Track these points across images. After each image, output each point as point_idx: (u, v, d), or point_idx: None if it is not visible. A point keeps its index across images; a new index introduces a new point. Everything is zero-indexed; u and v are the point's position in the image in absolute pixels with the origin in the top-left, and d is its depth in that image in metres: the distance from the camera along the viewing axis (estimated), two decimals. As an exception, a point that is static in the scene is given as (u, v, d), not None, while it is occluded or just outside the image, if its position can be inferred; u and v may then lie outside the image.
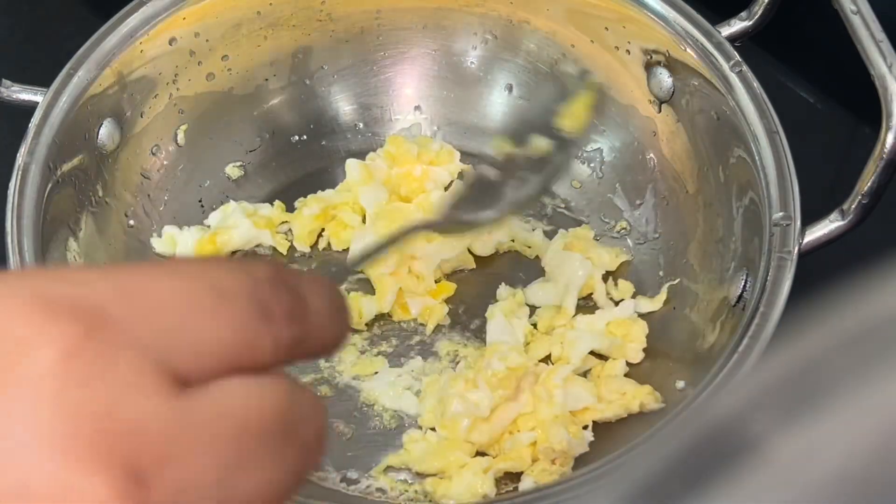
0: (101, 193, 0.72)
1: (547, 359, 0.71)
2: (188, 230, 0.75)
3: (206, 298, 0.33)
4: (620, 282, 0.74)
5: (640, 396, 0.68)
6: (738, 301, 0.65)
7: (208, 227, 0.76)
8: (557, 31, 0.78)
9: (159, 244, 0.74)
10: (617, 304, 0.73)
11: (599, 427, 0.68)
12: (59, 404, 0.30)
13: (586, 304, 0.73)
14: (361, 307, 0.73)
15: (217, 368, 0.33)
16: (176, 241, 0.74)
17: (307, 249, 0.76)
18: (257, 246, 0.76)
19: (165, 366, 0.32)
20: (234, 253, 0.75)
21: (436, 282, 0.74)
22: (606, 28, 0.75)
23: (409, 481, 0.67)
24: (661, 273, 0.74)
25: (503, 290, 0.74)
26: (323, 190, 0.78)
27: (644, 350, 0.71)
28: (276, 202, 0.77)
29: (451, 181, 0.78)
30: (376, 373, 0.71)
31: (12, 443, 0.30)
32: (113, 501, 0.30)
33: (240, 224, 0.74)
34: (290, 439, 0.34)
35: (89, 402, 0.30)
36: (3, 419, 0.30)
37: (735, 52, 0.70)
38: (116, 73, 0.72)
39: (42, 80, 0.69)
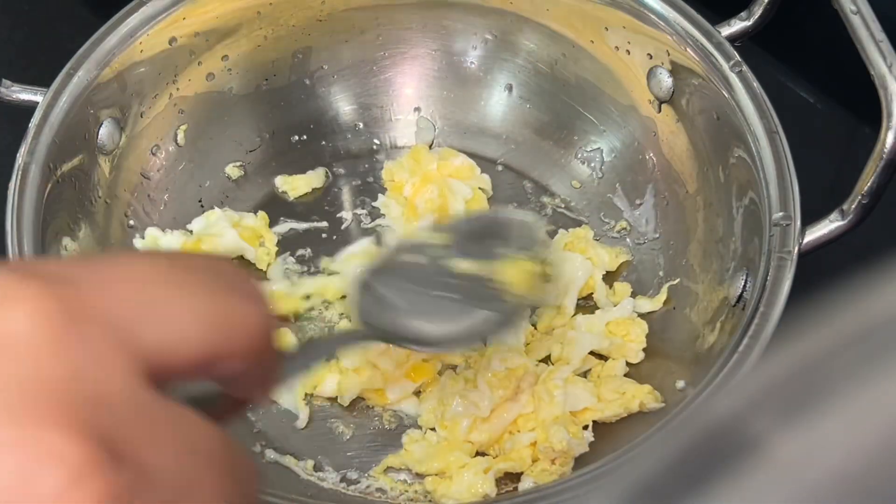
0: (100, 193, 0.72)
1: (547, 359, 0.71)
2: (171, 233, 0.74)
3: (177, 274, 0.35)
4: (617, 285, 0.74)
5: (640, 396, 0.68)
6: (738, 301, 0.65)
7: (191, 231, 0.75)
8: (557, 31, 0.78)
9: (142, 245, 0.74)
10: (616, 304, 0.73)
11: (599, 427, 0.68)
12: (30, 365, 0.31)
13: (586, 304, 0.73)
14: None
15: (183, 361, 0.34)
16: (159, 243, 0.73)
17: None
18: (239, 257, 0.75)
19: (133, 346, 0.33)
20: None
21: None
22: (606, 28, 0.75)
23: (409, 481, 0.67)
24: (661, 273, 0.74)
25: None
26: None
27: (644, 350, 0.71)
28: (260, 213, 0.77)
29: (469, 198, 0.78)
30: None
31: None
32: (87, 466, 0.30)
33: (225, 233, 0.74)
34: (231, 475, 0.35)
35: (59, 365, 0.31)
36: None
37: (735, 52, 0.70)
38: (116, 73, 0.72)
39: (42, 80, 0.69)
